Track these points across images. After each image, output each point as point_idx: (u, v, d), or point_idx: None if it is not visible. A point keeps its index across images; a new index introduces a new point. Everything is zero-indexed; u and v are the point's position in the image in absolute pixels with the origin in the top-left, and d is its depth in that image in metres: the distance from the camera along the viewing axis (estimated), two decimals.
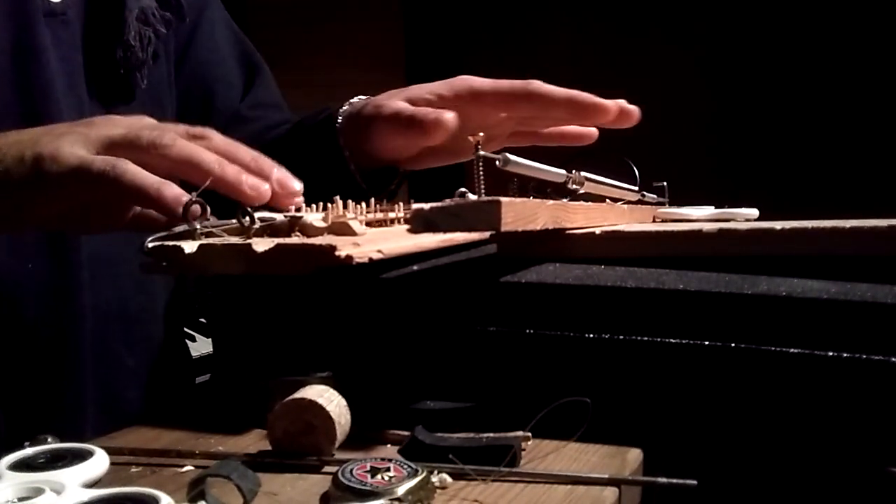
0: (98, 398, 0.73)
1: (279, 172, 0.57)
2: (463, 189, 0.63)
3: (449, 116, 0.65)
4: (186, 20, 0.82)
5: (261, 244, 0.48)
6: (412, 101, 0.71)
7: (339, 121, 0.75)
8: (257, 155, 0.57)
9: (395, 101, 0.70)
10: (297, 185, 0.57)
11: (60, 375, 0.71)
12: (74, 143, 0.54)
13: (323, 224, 0.53)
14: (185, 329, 0.94)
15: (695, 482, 0.43)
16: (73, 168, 0.52)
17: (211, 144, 0.56)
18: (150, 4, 0.77)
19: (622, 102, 0.69)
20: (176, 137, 0.55)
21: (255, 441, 0.51)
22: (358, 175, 0.74)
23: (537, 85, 0.68)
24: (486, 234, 0.64)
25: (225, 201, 0.55)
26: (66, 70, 0.72)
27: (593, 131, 0.75)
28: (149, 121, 0.58)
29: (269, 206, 0.56)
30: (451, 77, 0.72)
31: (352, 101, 0.76)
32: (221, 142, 0.57)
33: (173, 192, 0.52)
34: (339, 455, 0.47)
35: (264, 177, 0.56)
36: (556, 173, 0.67)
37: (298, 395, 0.48)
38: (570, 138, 0.77)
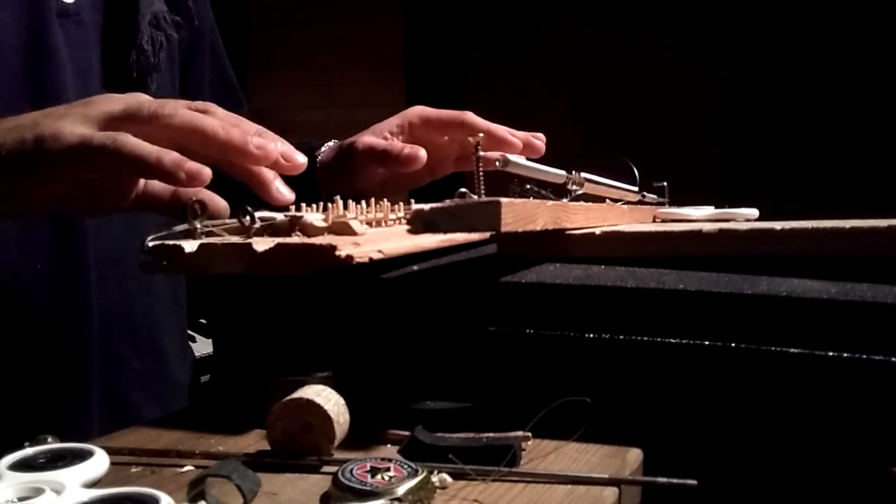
0: (103, 399, 0.73)
1: (283, 146, 0.57)
2: (463, 189, 0.63)
3: (422, 153, 0.73)
4: (196, 23, 0.83)
5: (261, 244, 0.48)
6: (377, 135, 0.78)
7: (319, 156, 0.80)
8: (261, 128, 0.57)
9: (366, 137, 0.78)
10: (302, 158, 0.57)
11: (66, 376, 0.71)
12: (75, 122, 0.54)
13: (323, 224, 0.53)
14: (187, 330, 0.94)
15: (695, 482, 0.43)
16: (74, 145, 0.52)
17: (214, 117, 0.56)
18: (162, 9, 0.78)
19: (530, 138, 0.79)
20: (178, 107, 0.55)
21: (255, 441, 0.51)
22: None
23: (469, 115, 0.79)
24: (486, 235, 0.64)
25: (232, 196, 0.55)
26: (78, 70, 0.72)
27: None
28: (147, 96, 0.58)
29: (269, 205, 0.56)
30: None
31: (328, 143, 0.83)
32: (224, 115, 0.57)
33: (173, 158, 0.52)
34: (338, 455, 0.47)
35: None
36: (556, 174, 0.67)
37: (296, 394, 0.48)
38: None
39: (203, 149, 0.54)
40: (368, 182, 0.79)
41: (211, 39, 0.90)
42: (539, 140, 0.79)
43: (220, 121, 0.55)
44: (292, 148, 0.57)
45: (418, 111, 0.80)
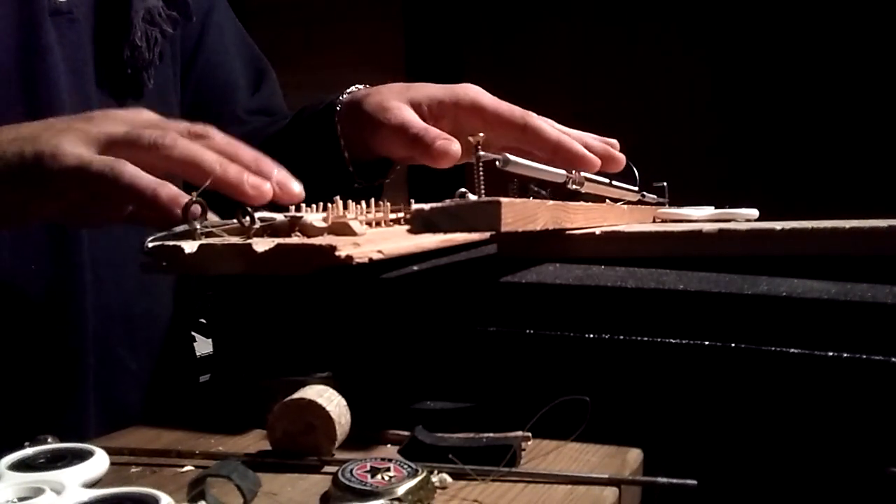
0: (100, 401, 0.73)
1: (280, 174, 0.57)
2: (463, 189, 0.63)
3: (456, 148, 0.65)
4: (193, 19, 0.82)
5: (261, 244, 0.48)
6: (414, 105, 0.70)
7: (338, 109, 0.74)
8: (259, 155, 0.57)
9: (402, 108, 0.70)
10: (298, 187, 0.57)
11: (62, 377, 0.71)
12: (75, 141, 0.54)
13: (323, 224, 0.53)
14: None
15: (695, 482, 0.43)
16: (73, 168, 0.52)
17: (212, 143, 0.56)
18: (157, 4, 0.77)
19: (611, 151, 0.71)
20: (177, 137, 0.55)
21: (255, 441, 0.51)
22: (351, 165, 0.74)
23: (533, 120, 0.69)
24: (486, 235, 0.64)
25: (225, 201, 0.55)
26: (72, 69, 0.72)
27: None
28: (149, 116, 0.58)
29: (269, 206, 0.56)
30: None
31: (351, 89, 0.75)
32: (223, 141, 0.57)
33: (169, 192, 0.52)
34: (339, 455, 0.47)
35: (265, 177, 0.56)
36: (556, 173, 0.67)
37: (298, 395, 0.48)
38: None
39: (200, 182, 0.54)
40: (391, 153, 0.72)
41: (222, 20, 0.90)
42: (616, 148, 0.71)
43: (218, 151, 0.55)
44: (288, 176, 0.57)
45: (473, 95, 0.71)
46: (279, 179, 0.56)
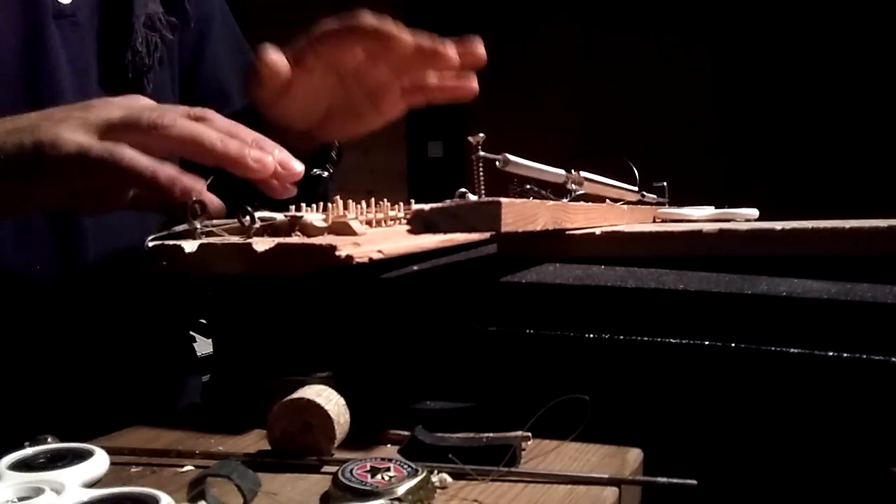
0: (102, 400, 0.73)
1: (280, 153, 0.57)
2: (463, 189, 0.63)
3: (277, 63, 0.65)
4: (192, 25, 0.82)
5: (261, 244, 0.48)
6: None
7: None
8: (258, 136, 0.57)
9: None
10: (298, 166, 0.57)
11: (65, 377, 0.71)
12: (74, 128, 0.54)
13: (323, 224, 0.53)
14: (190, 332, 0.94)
15: (695, 482, 0.43)
16: (72, 154, 0.53)
17: (212, 125, 0.56)
18: (157, 10, 0.78)
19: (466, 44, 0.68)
20: (176, 117, 0.55)
21: (255, 441, 0.51)
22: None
23: (359, 18, 0.67)
24: (487, 235, 0.64)
25: (228, 197, 0.55)
26: (75, 71, 0.72)
27: (471, 87, 0.72)
28: (147, 101, 0.58)
29: (269, 204, 0.56)
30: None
31: None
32: (222, 123, 0.57)
33: (167, 172, 0.52)
34: (338, 455, 0.47)
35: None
36: (556, 173, 0.67)
37: (297, 394, 0.48)
38: (449, 91, 0.73)
39: (200, 160, 0.54)
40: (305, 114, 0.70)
41: (222, 30, 0.90)
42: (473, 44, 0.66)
43: (218, 131, 0.55)
44: (289, 155, 0.57)
45: (319, 27, 0.67)
46: (280, 158, 0.56)
